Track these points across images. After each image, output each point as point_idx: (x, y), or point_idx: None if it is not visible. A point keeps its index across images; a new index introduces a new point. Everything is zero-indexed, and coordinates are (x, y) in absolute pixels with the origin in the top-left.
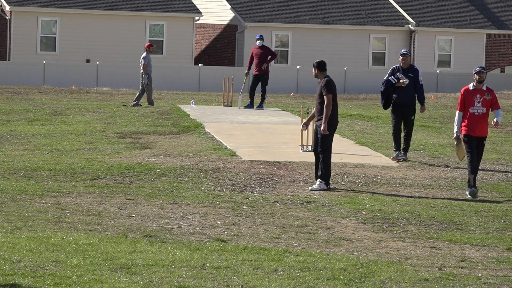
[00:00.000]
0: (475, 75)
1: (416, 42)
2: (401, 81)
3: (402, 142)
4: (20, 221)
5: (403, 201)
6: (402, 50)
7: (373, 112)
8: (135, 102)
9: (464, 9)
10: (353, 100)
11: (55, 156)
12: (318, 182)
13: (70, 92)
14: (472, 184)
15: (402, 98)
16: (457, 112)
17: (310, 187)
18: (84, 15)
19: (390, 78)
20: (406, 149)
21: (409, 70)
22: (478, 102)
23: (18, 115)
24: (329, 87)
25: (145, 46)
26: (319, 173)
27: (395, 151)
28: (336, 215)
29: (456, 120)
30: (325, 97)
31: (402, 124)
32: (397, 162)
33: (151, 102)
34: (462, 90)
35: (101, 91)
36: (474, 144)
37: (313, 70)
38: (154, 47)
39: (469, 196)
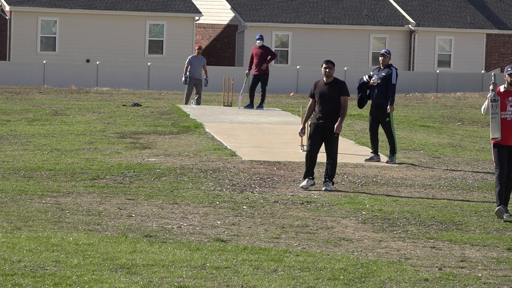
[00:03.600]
0: (507, 76)
1: (416, 42)
2: (371, 80)
3: (388, 144)
4: (20, 221)
5: (403, 201)
6: (382, 50)
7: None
8: (185, 103)
9: (464, 9)
10: (353, 100)
11: (55, 156)
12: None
13: (70, 92)
14: (498, 201)
15: (374, 97)
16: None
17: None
18: (84, 15)
19: (363, 76)
20: (392, 152)
21: (384, 69)
22: (511, 106)
23: (18, 115)
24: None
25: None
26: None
27: (371, 152)
28: (336, 215)
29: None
30: (343, 98)
31: (379, 125)
32: (391, 163)
33: (186, 102)
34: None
35: (101, 91)
36: (505, 155)
37: (330, 68)
38: (199, 49)
39: (495, 214)
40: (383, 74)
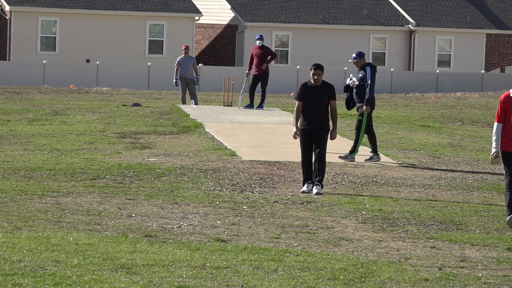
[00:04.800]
0: None
1: (416, 42)
2: (348, 82)
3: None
4: (20, 221)
5: (403, 201)
6: (353, 54)
7: (373, 112)
8: (182, 103)
9: (464, 9)
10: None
11: (55, 156)
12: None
13: (70, 92)
14: (509, 210)
15: (355, 98)
16: (496, 124)
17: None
18: (84, 15)
19: (346, 79)
20: (351, 150)
21: (361, 70)
22: None
23: (18, 115)
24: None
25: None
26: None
27: (370, 152)
28: (336, 215)
29: (494, 133)
30: (333, 102)
31: (372, 125)
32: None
33: (183, 102)
34: (502, 97)
35: (101, 91)
36: None
37: (319, 75)
38: (187, 49)
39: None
40: (360, 75)
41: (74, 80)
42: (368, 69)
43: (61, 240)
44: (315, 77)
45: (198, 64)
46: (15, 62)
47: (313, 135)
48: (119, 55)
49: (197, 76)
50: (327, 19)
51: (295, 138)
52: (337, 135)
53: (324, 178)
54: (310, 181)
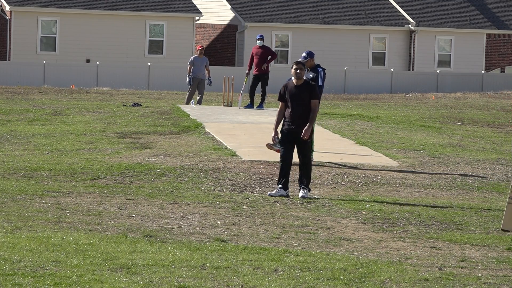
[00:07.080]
0: None
1: (416, 42)
2: None
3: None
4: (20, 221)
5: (403, 201)
6: (303, 54)
7: (373, 112)
8: (186, 103)
9: (464, 9)
10: (353, 100)
11: (55, 156)
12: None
13: (70, 92)
14: None
15: None
16: None
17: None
18: (84, 15)
19: None
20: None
21: (312, 71)
22: None
23: (18, 115)
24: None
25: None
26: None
27: None
28: (336, 215)
29: None
30: (314, 101)
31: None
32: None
33: (187, 102)
34: None
35: (101, 91)
36: None
37: (301, 69)
38: (202, 49)
39: None
40: (311, 75)
41: (74, 80)
42: (320, 70)
43: (61, 240)
44: (298, 71)
45: None
46: (15, 62)
47: (294, 138)
48: (119, 55)
49: (210, 78)
50: (327, 19)
51: (274, 142)
52: (338, 135)
53: (324, 178)
54: (282, 186)
